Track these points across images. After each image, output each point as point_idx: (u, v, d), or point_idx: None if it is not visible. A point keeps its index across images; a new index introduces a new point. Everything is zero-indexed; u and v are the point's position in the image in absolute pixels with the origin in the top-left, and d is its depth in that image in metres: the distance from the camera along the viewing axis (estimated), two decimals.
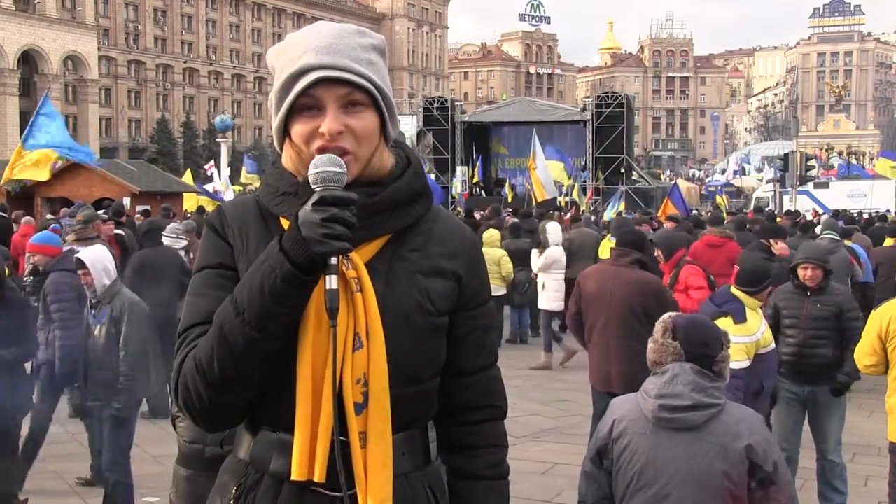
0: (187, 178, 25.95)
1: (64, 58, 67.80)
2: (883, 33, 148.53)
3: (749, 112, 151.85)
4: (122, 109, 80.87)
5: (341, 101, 1.61)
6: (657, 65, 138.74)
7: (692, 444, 2.97)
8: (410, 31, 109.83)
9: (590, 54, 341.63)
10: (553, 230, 11.64)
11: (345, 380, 1.56)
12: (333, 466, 1.54)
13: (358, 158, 1.63)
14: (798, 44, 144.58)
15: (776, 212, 23.75)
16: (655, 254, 6.98)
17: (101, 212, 11.29)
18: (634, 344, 5.47)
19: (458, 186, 33.55)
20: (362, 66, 1.62)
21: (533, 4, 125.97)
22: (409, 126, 51.51)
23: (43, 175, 15.82)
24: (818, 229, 12.64)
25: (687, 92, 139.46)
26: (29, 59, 66.05)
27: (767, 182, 42.91)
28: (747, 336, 4.94)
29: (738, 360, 4.85)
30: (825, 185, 34.31)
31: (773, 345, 5.15)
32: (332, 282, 1.50)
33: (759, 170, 59.68)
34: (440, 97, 48.67)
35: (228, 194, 23.05)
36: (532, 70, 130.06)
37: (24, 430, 5.81)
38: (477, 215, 17.93)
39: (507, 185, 34.38)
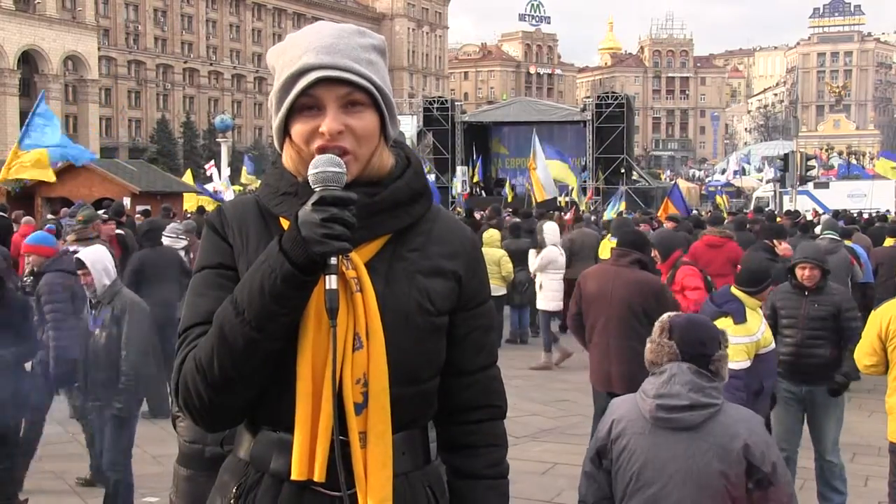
0: (187, 178, 25.94)
1: (64, 58, 67.80)
2: (883, 33, 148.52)
3: (749, 112, 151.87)
4: (122, 109, 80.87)
5: (341, 101, 1.61)
6: (657, 65, 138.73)
7: (690, 444, 2.97)
8: (410, 31, 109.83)
9: (590, 54, 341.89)
10: (550, 230, 11.63)
11: (345, 380, 1.56)
12: (333, 466, 1.54)
13: (358, 158, 1.63)
14: (798, 44, 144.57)
15: (776, 212, 23.74)
16: (652, 254, 6.99)
17: (101, 212, 11.30)
18: (635, 344, 5.46)
19: (458, 186, 33.55)
20: (362, 66, 1.62)
21: (533, 4, 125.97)
22: (409, 126, 51.52)
23: (48, 176, 15.82)
24: (818, 229, 12.64)
25: (687, 92, 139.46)
26: (29, 59, 66.05)
27: (767, 182, 42.88)
28: (747, 336, 4.94)
29: (738, 360, 4.85)
30: (825, 186, 34.29)
31: (773, 345, 5.15)
32: (331, 282, 1.51)
33: (760, 170, 59.64)
34: (440, 97, 48.73)
35: (228, 194, 23.05)
36: (532, 70, 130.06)
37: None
38: (477, 215, 17.94)
39: (507, 185, 34.40)
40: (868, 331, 4.76)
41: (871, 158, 68.80)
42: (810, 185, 31.26)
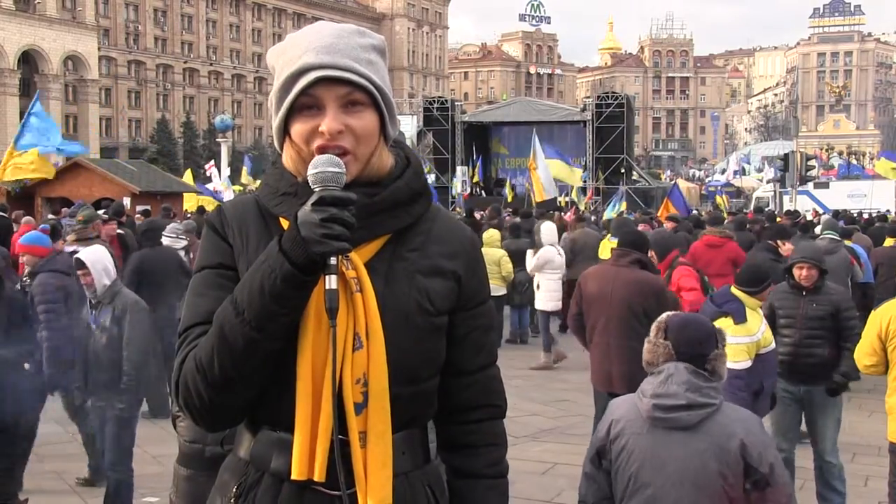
0: (187, 178, 25.94)
1: (64, 58, 67.79)
2: (883, 33, 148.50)
3: (749, 112, 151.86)
4: (122, 109, 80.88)
5: (341, 101, 1.61)
6: (657, 65, 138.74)
7: (688, 444, 2.97)
8: (410, 31, 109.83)
9: (590, 54, 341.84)
10: (547, 230, 11.61)
11: (344, 379, 1.56)
12: (333, 466, 1.54)
13: (357, 158, 1.63)
14: (798, 44, 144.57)
15: (776, 212, 23.75)
16: (649, 254, 6.99)
17: (101, 212, 11.31)
18: (635, 344, 5.44)
19: (458, 186, 33.55)
20: (362, 66, 1.62)
21: (533, 4, 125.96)
22: (409, 126, 51.52)
23: (48, 172, 15.83)
24: (818, 229, 12.64)
25: (687, 92, 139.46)
26: (29, 59, 66.04)
27: (767, 182, 42.86)
28: (748, 336, 4.95)
29: (739, 360, 4.85)
30: (825, 186, 34.29)
31: (773, 345, 5.15)
32: (331, 282, 1.51)
33: (760, 170, 59.62)
34: (440, 97, 48.71)
35: (228, 194, 23.05)
36: (532, 70, 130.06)
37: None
38: (477, 215, 17.94)
39: (507, 185, 34.39)
40: (868, 331, 4.76)
41: (871, 158, 68.74)
42: (810, 186, 31.26)
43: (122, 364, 5.35)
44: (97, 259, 5.40)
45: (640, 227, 10.36)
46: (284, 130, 1.67)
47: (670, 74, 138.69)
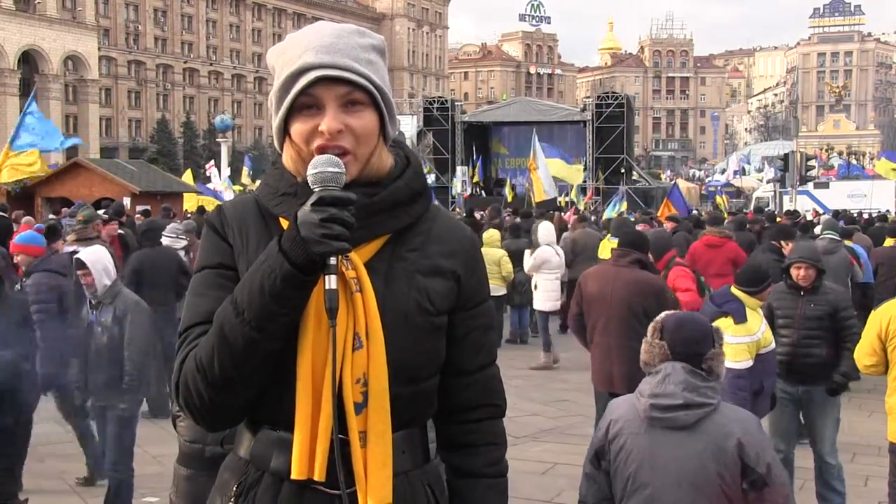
0: (187, 178, 25.94)
1: (64, 58, 67.78)
2: (883, 33, 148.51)
3: (749, 112, 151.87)
4: (122, 109, 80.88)
5: (341, 101, 1.61)
6: (657, 65, 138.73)
7: (686, 445, 2.97)
8: (410, 31, 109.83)
9: (590, 54, 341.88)
10: (544, 230, 11.60)
11: (344, 379, 1.56)
12: (333, 465, 1.54)
13: (357, 158, 1.63)
14: (798, 44, 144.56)
15: (776, 212, 23.75)
16: None
17: (101, 212, 11.31)
18: (635, 344, 5.42)
19: (458, 186, 33.56)
20: (362, 66, 1.63)
21: (533, 4, 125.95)
22: (409, 126, 51.54)
23: (44, 171, 15.81)
24: (818, 229, 12.64)
25: (687, 92, 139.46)
26: (29, 59, 66.03)
27: (767, 182, 42.87)
28: (748, 336, 4.95)
29: (741, 359, 4.86)
30: (825, 186, 34.29)
31: (773, 345, 5.16)
32: (331, 282, 1.51)
33: (760, 170, 59.63)
34: (440, 97, 48.69)
35: (228, 194, 23.04)
36: (532, 70, 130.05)
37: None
38: (477, 215, 17.95)
39: (507, 185, 34.38)
40: (868, 331, 4.76)
41: (871, 158, 68.80)
42: (810, 186, 31.27)
43: (124, 364, 5.35)
44: (97, 259, 5.41)
45: (640, 228, 10.36)
46: (284, 130, 1.67)
47: (670, 74, 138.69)
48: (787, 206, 25.57)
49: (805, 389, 5.58)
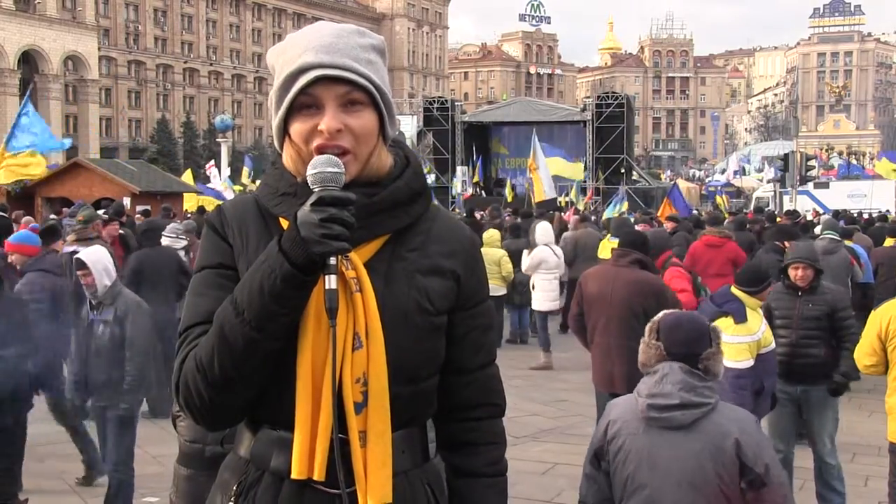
0: (187, 178, 25.93)
1: (64, 58, 67.78)
2: (883, 33, 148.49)
3: (749, 112, 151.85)
4: (122, 109, 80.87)
5: (340, 100, 1.61)
6: (657, 65, 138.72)
7: (683, 444, 2.97)
8: (410, 31, 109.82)
9: (590, 54, 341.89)
10: (542, 230, 11.60)
11: (344, 379, 1.57)
12: (333, 465, 1.54)
13: (357, 158, 1.63)
14: (798, 44, 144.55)
15: (776, 212, 23.75)
16: None
17: (101, 212, 11.31)
18: (635, 344, 5.40)
19: (458, 187, 33.55)
20: (362, 66, 1.63)
21: (533, 4, 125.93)
22: (409, 126, 51.54)
23: (41, 171, 15.78)
24: (818, 229, 12.64)
25: (687, 92, 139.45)
26: (29, 59, 66.02)
27: (767, 182, 42.88)
28: (748, 336, 4.95)
29: (742, 359, 4.86)
30: (825, 186, 34.28)
31: (773, 345, 5.16)
32: (331, 282, 1.51)
33: (760, 170, 59.64)
34: (440, 97, 48.70)
35: (228, 194, 23.04)
36: (532, 70, 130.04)
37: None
38: (477, 215, 17.95)
39: (507, 185, 34.37)
40: (868, 331, 4.76)
41: (871, 158, 68.74)
42: (810, 186, 31.27)
43: (125, 364, 5.36)
44: (97, 259, 5.41)
45: (639, 228, 10.36)
46: (284, 130, 1.67)
47: (670, 74, 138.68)
48: (788, 206, 25.56)
49: (804, 389, 5.58)
